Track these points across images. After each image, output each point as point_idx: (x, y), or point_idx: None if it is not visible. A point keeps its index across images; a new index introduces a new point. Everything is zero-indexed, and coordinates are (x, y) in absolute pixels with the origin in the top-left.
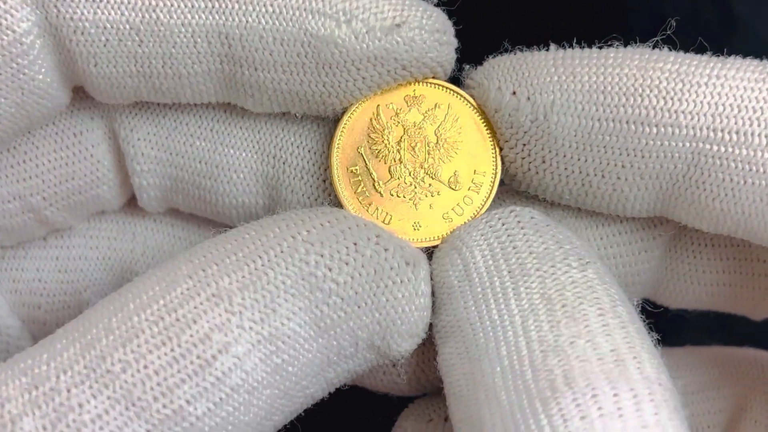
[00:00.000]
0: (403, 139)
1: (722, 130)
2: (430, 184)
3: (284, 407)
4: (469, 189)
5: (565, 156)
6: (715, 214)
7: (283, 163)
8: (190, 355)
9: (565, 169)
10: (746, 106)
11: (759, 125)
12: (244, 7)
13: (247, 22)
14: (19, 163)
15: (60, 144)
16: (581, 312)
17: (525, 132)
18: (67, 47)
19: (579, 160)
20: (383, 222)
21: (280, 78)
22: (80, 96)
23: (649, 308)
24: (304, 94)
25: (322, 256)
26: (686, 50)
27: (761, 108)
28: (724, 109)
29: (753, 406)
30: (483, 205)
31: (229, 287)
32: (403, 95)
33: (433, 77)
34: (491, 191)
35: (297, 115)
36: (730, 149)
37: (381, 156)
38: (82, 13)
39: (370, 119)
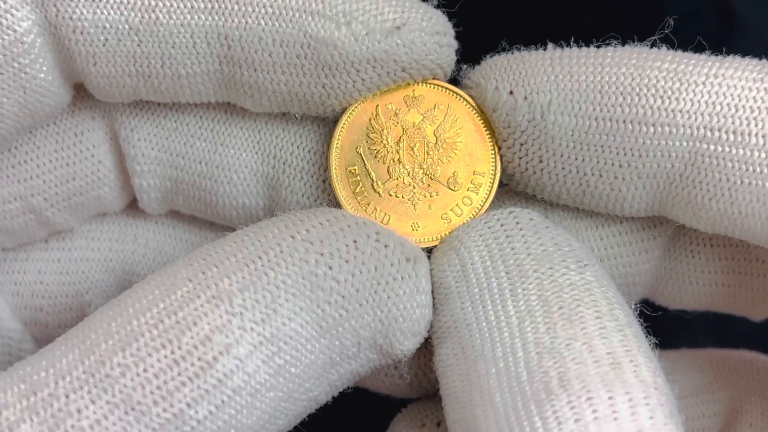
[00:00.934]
0: (402, 140)
1: (719, 130)
2: (428, 185)
3: (288, 410)
4: (468, 189)
5: (562, 155)
6: (712, 214)
7: (283, 164)
8: (190, 357)
9: (563, 168)
10: (743, 106)
11: (756, 125)
12: (243, 9)
13: (246, 23)
14: (21, 163)
15: (61, 144)
16: (578, 314)
17: (522, 132)
18: (66, 46)
19: (576, 159)
20: (382, 222)
21: (279, 79)
22: (81, 96)
23: (648, 311)
24: (303, 95)
25: (322, 254)
26: (686, 50)
27: (758, 108)
28: (722, 109)
29: (748, 409)
30: (482, 206)
31: (229, 288)
32: (403, 96)
33: (433, 78)
34: (490, 192)
35: (297, 115)
36: (727, 149)
37: (380, 156)
38: (82, 13)
39: (369, 119)
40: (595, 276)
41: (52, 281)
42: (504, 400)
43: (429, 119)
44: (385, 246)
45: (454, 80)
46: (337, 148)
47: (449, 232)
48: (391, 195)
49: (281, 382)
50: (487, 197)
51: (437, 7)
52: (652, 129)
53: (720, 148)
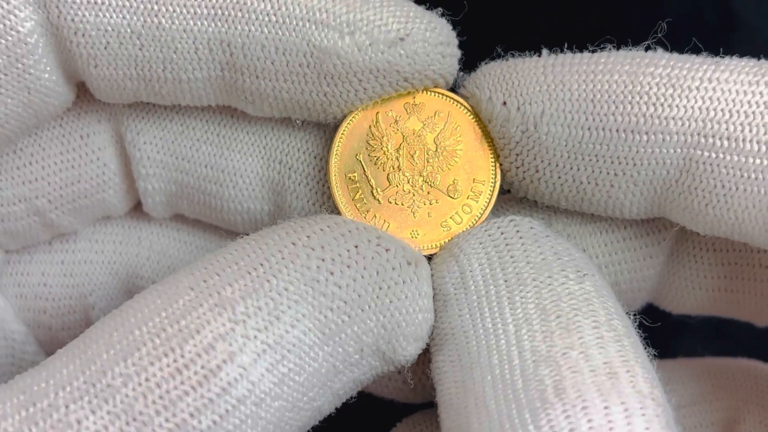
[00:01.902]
0: (402, 147)
1: (713, 136)
2: (428, 192)
3: (292, 421)
4: (467, 197)
5: (557, 165)
6: (709, 219)
7: (289, 169)
8: (193, 365)
9: (559, 177)
10: (738, 111)
11: (750, 131)
12: (246, 16)
13: (249, 31)
14: (25, 165)
15: (67, 146)
16: (576, 324)
17: (517, 142)
18: (67, 47)
19: (572, 168)
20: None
21: (281, 87)
22: (87, 98)
23: (647, 322)
24: (305, 102)
25: (323, 260)
26: (686, 50)
27: (753, 113)
28: (716, 115)
29: (746, 418)
30: (482, 214)
31: (232, 296)
32: (403, 103)
33: (435, 87)
34: (490, 200)
35: (298, 121)
36: (722, 155)
37: (379, 163)
38: (84, 15)
39: (369, 127)
40: (594, 286)
41: (56, 283)
42: (499, 407)
43: (429, 127)
44: (386, 250)
45: (456, 86)
46: (336, 155)
47: (449, 240)
48: (390, 202)
49: (285, 390)
50: (487, 205)
51: (442, 15)
52: (645, 137)
53: (714, 155)
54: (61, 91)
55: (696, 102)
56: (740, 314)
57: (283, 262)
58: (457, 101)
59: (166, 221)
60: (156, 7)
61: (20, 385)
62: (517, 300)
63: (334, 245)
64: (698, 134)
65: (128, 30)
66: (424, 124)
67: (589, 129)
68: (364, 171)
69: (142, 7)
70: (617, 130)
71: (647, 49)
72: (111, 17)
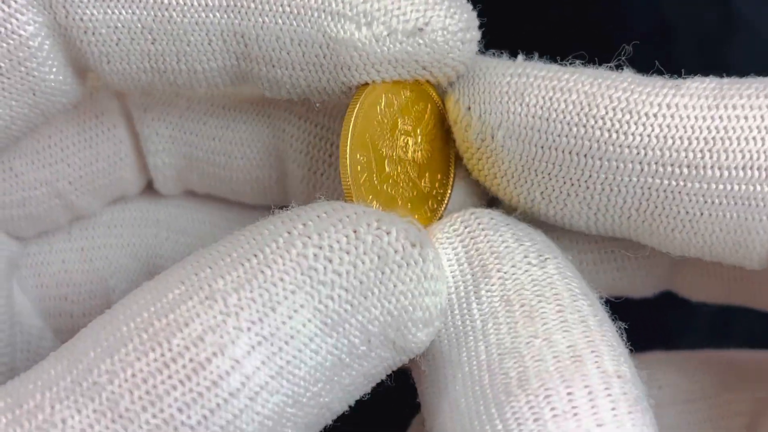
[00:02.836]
0: (396, 134)
1: (672, 165)
2: (409, 183)
3: (296, 417)
4: (434, 193)
5: (512, 178)
6: (677, 243)
7: (291, 137)
8: (181, 359)
9: (514, 189)
10: (697, 138)
11: (710, 157)
12: (260, 7)
13: (263, 22)
14: (45, 148)
15: (83, 125)
16: (539, 311)
17: (477, 149)
18: (77, 46)
19: (525, 183)
20: None
21: (297, 75)
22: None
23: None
24: (323, 89)
25: (320, 248)
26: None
27: (713, 138)
28: (673, 143)
29: None
30: (441, 211)
31: (223, 288)
32: (402, 89)
33: (455, 72)
34: (448, 199)
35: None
36: (682, 183)
37: (380, 147)
38: (92, 14)
39: (377, 107)
40: (557, 268)
41: (76, 269)
42: (468, 405)
43: (418, 118)
44: (387, 233)
45: None
46: (352, 136)
47: None
48: (384, 189)
49: (285, 385)
50: (446, 203)
51: None
52: (598, 163)
53: (674, 183)
54: (69, 89)
55: (653, 130)
56: (756, 303)
57: (278, 252)
58: (435, 98)
59: (181, 201)
60: (167, 1)
61: (8, 389)
62: (482, 294)
63: (332, 231)
64: (656, 163)
65: (139, 25)
66: (414, 115)
67: (542, 147)
68: (371, 154)
69: (152, 1)
70: (570, 152)
71: (617, 67)
72: (121, 14)
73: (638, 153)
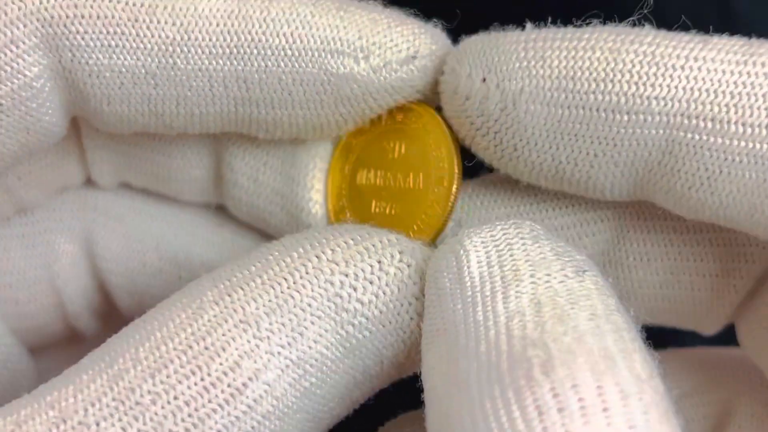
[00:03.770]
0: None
1: (697, 117)
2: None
3: (312, 431)
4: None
5: (536, 144)
6: (692, 202)
7: (228, 140)
8: (220, 383)
9: (537, 156)
10: (723, 92)
11: (736, 112)
12: (263, 52)
13: (266, 66)
14: None
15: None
16: (571, 315)
17: (495, 120)
18: (80, 89)
19: (550, 148)
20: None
21: (297, 114)
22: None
23: None
24: (320, 125)
25: (346, 275)
26: (645, 26)
27: (739, 93)
28: (700, 95)
29: (738, 410)
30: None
31: (256, 312)
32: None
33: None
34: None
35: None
36: (705, 137)
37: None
38: (98, 58)
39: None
40: (595, 284)
41: (19, 256)
42: (480, 388)
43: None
44: (408, 266)
45: None
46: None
47: (451, 237)
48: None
49: (307, 403)
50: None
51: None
52: (626, 117)
53: (698, 137)
54: (56, 130)
55: (680, 82)
56: (680, 323)
57: (307, 278)
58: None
59: (121, 190)
60: (171, 48)
61: (48, 399)
62: (511, 294)
63: (358, 260)
64: (681, 115)
65: (143, 71)
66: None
67: (569, 108)
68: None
69: (156, 48)
70: (597, 110)
71: (634, 24)
72: (125, 59)
73: (665, 105)
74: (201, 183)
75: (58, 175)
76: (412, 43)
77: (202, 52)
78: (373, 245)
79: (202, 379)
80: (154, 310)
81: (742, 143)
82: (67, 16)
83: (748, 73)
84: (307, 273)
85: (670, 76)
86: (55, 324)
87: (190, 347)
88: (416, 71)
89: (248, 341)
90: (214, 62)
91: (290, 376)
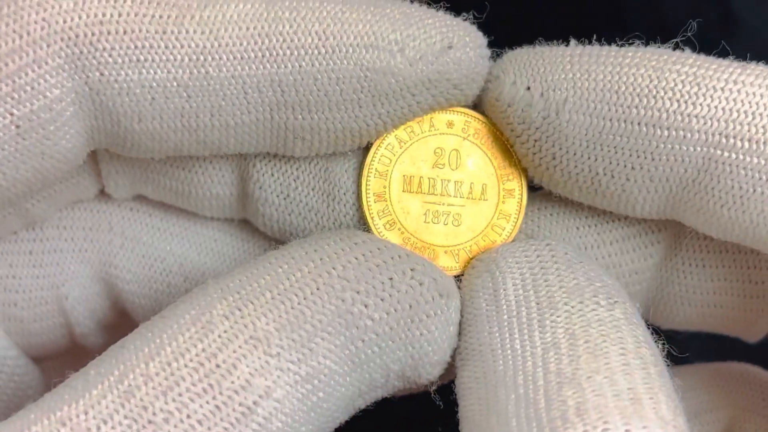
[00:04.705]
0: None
1: (734, 137)
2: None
3: None
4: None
5: (575, 154)
6: (723, 221)
7: (254, 157)
8: (232, 402)
9: (575, 166)
10: (760, 114)
11: None
12: (296, 52)
13: (300, 66)
14: None
15: None
16: (603, 350)
17: (537, 128)
18: (109, 109)
19: (589, 158)
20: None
21: (334, 117)
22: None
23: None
24: (358, 130)
25: (358, 292)
26: (685, 51)
27: None
28: (738, 116)
29: (744, 427)
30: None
31: (266, 328)
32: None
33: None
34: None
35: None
36: (741, 157)
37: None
38: (127, 74)
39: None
40: (624, 314)
41: (25, 274)
42: (520, 425)
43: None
44: (420, 283)
45: None
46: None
47: (487, 253)
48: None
49: (313, 417)
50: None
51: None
52: (666, 132)
53: (734, 156)
54: (73, 159)
55: (720, 102)
56: (728, 330)
57: (318, 293)
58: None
59: (136, 206)
60: (202, 57)
61: (58, 415)
62: (547, 324)
63: (369, 277)
64: (719, 134)
65: (174, 83)
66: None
67: (611, 120)
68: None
69: (187, 59)
70: (639, 123)
71: (675, 47)
72: (156, 73)
73: (705, 123)
74: (224, 200)
75: (70, 187)
76: (446, 35)
77: (234, 58)
78: (385, 261)
79: (214, 398)
80: (161, 320)
81: None
82: (93, 34)
83: None
84: (318, 289)
85: (711, 96)
86: (61, 342)
87: (202, 364)
88: (452, 63)
89: (259, 358)
90: (246, 67)
91: (299, 392)
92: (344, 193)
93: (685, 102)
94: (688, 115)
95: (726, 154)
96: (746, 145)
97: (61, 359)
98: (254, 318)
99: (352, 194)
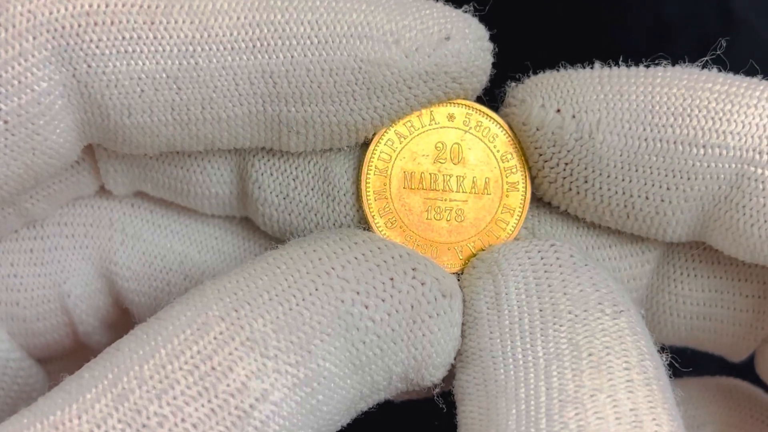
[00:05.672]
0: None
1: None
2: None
3: None
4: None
5: (609, 176)
6: (752, 240)
7: (253, 156)
8: (228, 406)
9: (608, 189)
10: None
11: None
12: (288, 42)
13: (292, 57)
14: None
15: None
16: (606, 364)
17: (569, 151)
18: (98, 102)
19: (624, 180)
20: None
21: (329, 110)
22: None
23: None
24: (354, 124)
25: (358, 293)
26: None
27: None
28: None
29: None
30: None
31: (263, 329)
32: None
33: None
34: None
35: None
36: None
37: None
38: (115, 66)
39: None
40: (628, 323)
41: (27, 273)
42: None
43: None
44: (422, 283)
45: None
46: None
47: (487, 253)
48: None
49: (313, 420)
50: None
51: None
52: (702, 150)
53: (767, 172)
54: (66, 154)
55: (753, 119)
56: (714, 345)
57: (317, 294)
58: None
59: (138, 202)
60: (191, 48)
61: (51, 420)
62: (550, 333)
63: (370, 277)
64: (753, 150)
65: (164, 75)
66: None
67: (646, 140)
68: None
69: (176, 50)
70: (675, 142)
71: (703, 66)
72: (144, 64)
73: (740, 139)
74: (223, 198)
75: (69, 184)
76: (444, 26)
77: (224, 48)
78: (385, 261)
79: (209, 401)
80: (157, 322)
81: None
82: (80, 25)
83: None
84: (316, 290)
85: (744, 113)
86: (65, 341)
87: (197, 367)
88: (450, 55)
89: (255, 360)
90: (237, 58)
91: (298, 395)
92: (344, 194)
93: (720, 119)
94: (723, 132)
95: (759, 170)
96: None
97: (67, 361)
98: (251, 319)
99: (351, 195)
